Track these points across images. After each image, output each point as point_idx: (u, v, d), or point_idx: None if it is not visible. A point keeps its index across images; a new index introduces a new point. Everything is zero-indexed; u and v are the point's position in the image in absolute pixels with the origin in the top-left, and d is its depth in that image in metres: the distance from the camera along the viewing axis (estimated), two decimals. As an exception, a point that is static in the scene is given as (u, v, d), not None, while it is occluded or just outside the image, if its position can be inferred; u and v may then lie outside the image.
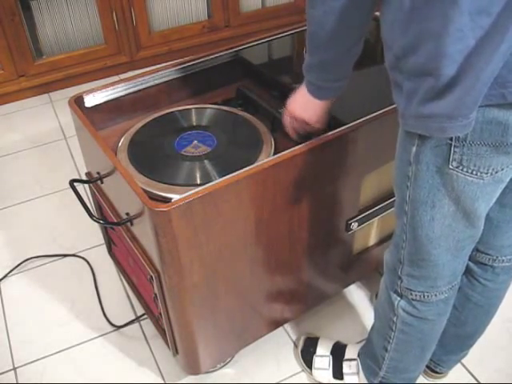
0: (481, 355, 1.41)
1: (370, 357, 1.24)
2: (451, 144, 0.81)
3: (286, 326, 1.49)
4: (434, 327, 1.10)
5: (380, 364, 1.19)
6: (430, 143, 0.83)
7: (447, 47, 0.71)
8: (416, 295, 1.03)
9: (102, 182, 1.24)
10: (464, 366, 1.40)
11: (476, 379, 1.38)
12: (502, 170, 0.84)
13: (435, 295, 1.03)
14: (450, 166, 0.83)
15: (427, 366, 1.34)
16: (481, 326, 1.23)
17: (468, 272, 1.13)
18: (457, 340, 1.25)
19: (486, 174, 0.83)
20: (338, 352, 1.35)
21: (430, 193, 0.88)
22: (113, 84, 1.28)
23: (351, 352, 1.33)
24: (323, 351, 1.37)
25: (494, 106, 0.75)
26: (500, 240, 1.05)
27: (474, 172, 0.83)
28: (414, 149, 0.86)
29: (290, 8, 2.89)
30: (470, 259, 1.11)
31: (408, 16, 0.74)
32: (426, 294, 1.02)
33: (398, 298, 1.06)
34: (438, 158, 0.83)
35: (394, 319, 1.09)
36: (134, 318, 1.54)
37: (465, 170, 0.83)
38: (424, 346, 1.13)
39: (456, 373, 1.38)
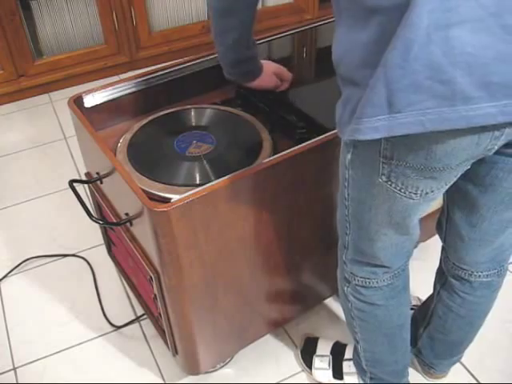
0: (481, 355, 1.41)
1: (356, 352, 1.25)
2: (379, 160, 0.80)
3: (286, 326, 1.49)
4: (389, 312, 1.09)
5: (360, 357, 1.21)
6: (362, 153, 0.83)
7: (370, 57, 0.71)
8: (359, 280, 1.05)
9: (101, 183, 1.24)
10: (464, 366, 1.40)
11: (476, 379, 1.38)
12: (432, 192, 0.83)
13: (376, 282, 1.04)
14: (380, 180, 0.83)
15: (424, 366, 1.34)
16: (466, 336, 1.21)
17: (447, 284, 1.14)
18: (445, 346, 1.25)
19: (415, 194, 0.83)
20: (337, 352, 1.35)
21: (367, 197, 0.89)
22: (112, 84, 1.28)
23: (351, 352, 1.33)
24: (323, 351, 1.37)
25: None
26: (473, 256, 1.04)
27: (403, 190, 0.82)
28: (349, 156, 0.87)
29: (289, 8, 2.89)
30: (447, 272, 1.12)
31: (339, 27, 0.78)
32: (367, 280, 1.04)
33: (347, 284, 1.08)
34: (369, 167, 0.84)
35: (350, 306, 1.11)
36: (133, 318, 1.54)
37: (393, 185, 0.82)
38: (388, 334, 1.12)
39: (456, 373, 1.37)
